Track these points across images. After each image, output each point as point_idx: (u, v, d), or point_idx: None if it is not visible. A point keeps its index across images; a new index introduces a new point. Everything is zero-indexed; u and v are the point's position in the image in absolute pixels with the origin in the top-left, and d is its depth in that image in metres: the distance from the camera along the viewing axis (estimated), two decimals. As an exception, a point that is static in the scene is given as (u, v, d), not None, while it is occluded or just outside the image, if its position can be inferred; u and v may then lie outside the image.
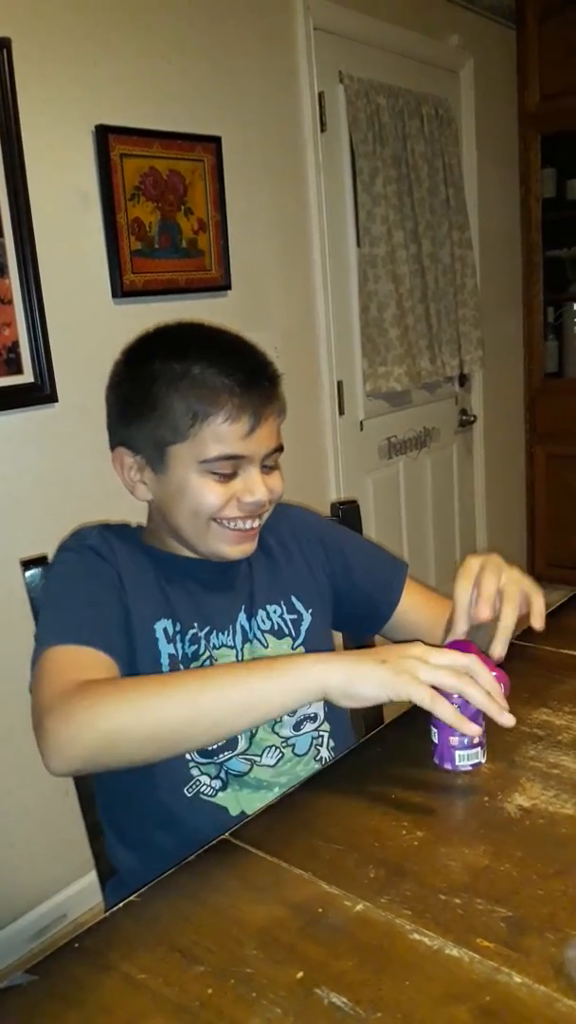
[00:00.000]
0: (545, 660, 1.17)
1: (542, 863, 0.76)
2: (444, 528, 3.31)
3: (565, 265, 3.69)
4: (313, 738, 1.10)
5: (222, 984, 0.66)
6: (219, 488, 0.99)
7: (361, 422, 2.84)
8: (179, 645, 1.03)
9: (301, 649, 1.11)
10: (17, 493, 1.87)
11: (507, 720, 0.82)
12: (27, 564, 1.12)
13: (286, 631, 1.11)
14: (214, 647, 1.06)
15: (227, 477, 0.99)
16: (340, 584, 1.20)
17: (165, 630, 1.03)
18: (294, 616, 1.12)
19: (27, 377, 1.85)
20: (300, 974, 0.66)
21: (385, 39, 2.78)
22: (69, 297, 1.92)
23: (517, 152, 3.50)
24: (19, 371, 1.83)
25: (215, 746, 1.01)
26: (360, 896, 0.74)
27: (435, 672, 0.81)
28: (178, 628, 1.04)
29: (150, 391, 0.98)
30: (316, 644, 1.12)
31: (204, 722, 0.83)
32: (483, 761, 0.92)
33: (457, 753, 0.90)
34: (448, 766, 0.91)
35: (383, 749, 0.99)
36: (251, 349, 1.04)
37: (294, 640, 1.11)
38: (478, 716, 0.89)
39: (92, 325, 1.97)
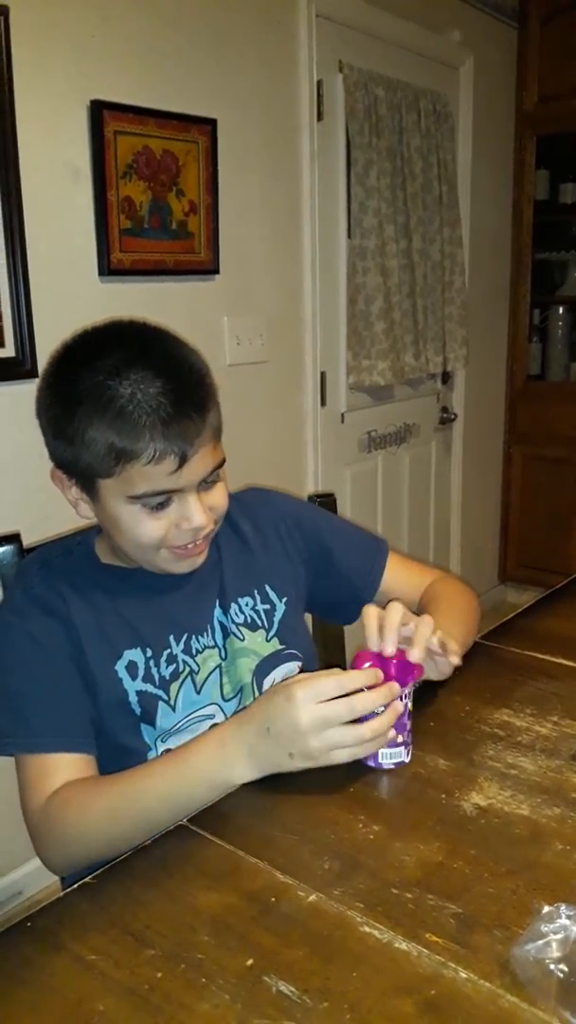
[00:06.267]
0: (509, 661, 1.19)
1: (494, 862, 0.77)
2: (419, 524, 3.32)
3: (553, 268, 3.71)
4: None
5: (172, 968, 0.66)
6: (154, 521, 0.95)
7: (343, 414, 2.84)
8: (154, 671, 1.02)
9: (275, 641, 1.11)
10: (-7, 467, 1.86)
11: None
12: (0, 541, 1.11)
13: (259, 623, 1.10)
14: (196, 652, 1.05)
15: (161, 506, 0.95)
16: (319, 569, 1.19)
17: (130, 665, 1.01)
18: (267, 606, 1.12)
19: (8, 351, 1.83)
20: (250, 961, 0.67)
21: (387, 30, 2.76)
22: (55, 272, 1.91)
23: (512, 152, 3.51)
24: (0, 344, 1.81)
25: None
26: (313, 887, 0.74)
27: (336, 752, 0.85)
28: (149, 655, 1.02)
29: (73, 417, 0.91)
30: (289, 635, 1.12)
31: (153, 828, 0.86)
32: (407, 760, 0.93)
33: (380, 751, 0.91)
34: (371, 763, 0.92)
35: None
36: (183, 366, 0.94)
37: (267, 632, 1.11)
38: (404, 718, 0.91)
39: (77, 302, 1.95)
